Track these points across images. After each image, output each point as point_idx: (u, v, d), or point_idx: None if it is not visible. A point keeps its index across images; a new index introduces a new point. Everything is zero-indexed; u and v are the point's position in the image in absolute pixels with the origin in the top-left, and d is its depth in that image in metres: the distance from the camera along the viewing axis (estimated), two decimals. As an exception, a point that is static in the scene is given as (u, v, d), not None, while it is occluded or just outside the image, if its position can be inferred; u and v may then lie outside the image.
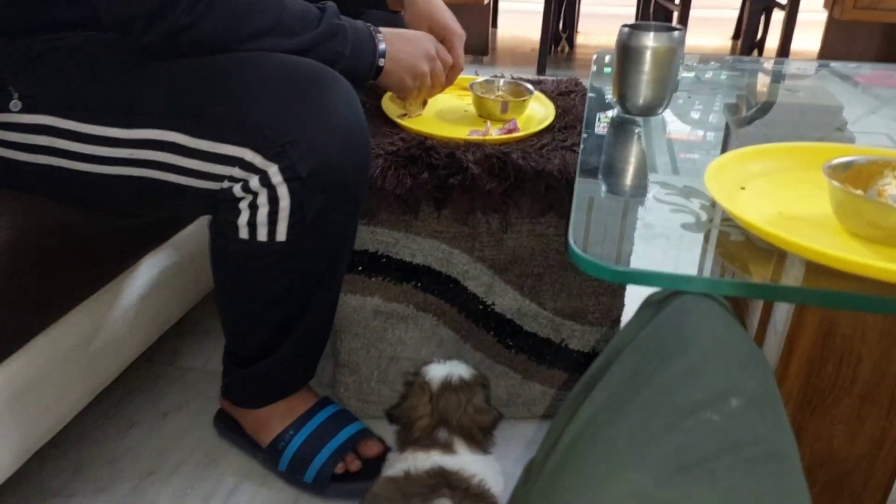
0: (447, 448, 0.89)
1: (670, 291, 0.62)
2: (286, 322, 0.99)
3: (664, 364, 0.54)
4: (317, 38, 0.91)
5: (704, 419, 0.49)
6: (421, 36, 1.06)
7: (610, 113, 1.05)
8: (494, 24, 4.20)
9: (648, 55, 0.95)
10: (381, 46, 0.99)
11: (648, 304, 0.63)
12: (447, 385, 0.91)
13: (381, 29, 1.00)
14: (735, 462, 0.47)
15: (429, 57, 1.05)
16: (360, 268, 1.09)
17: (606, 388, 0.56)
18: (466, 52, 1.14)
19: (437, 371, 0.93)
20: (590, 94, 1.16)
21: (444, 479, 0.84)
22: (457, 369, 0.94)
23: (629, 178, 0.89)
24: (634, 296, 0.66)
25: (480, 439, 0.91)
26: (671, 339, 0.56)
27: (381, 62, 0.99)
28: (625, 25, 0.97)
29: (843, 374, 0.80)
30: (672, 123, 1.04)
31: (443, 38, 1.09)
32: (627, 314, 1.10)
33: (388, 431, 1.14)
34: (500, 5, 4.35)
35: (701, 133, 1.08)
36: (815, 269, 0.62)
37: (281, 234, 0.88)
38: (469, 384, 0.93)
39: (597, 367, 0.62)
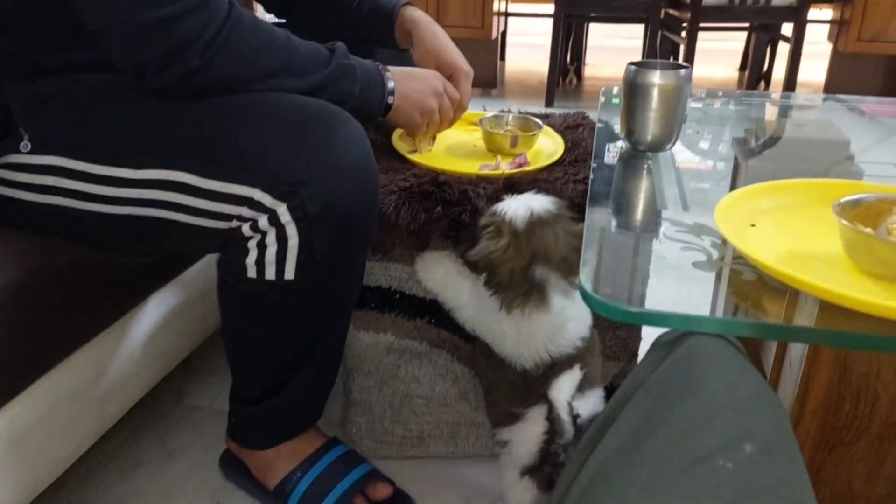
0: (543, 295, 0.86)
1: (680, 332, 0.61)
2: (294, 360, 0.98)
3: (675, 409, 0.53)
4: (327, 78, 0.92)
5: (718, 466, 0.48)
6: (429, 73, 1.07)
7: (619, 143, 1.05)
8: (503, 58, 4.25)
9: (655, 93, 0.95)
10: (390, 84, 1.00)
11: (658, 346, 0.62)
12: (535, 222, 0.86)
13: (390, 67, 1.01)
14: None
15: (437, 93, 1.06)
16: (372, 304, 1.09)
17: (617, 435, 0.55)
18: (475, 85, 1.15)
19: (516, 209, 0.87)
20: (598, 125, 1.16)
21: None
22: (536, 202, 0.88)
23: (639, 214, 0.89)
24: (652, 329, 0.65)
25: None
26: (682, 383, 0.55)
27: (391, 100, 1.00)
28: (631, 63, 0.98)
29: (860, 412, 0.79)
30: (681, 157, 1.04)
31: (450, 75, 1.10)
32: (645, 347, 1.09)
33: (398, 472, 1.12)
34: (508, 39, 4.40)
35: (710, 166, 1.07)
36: (829, 308, 0.61)
37: (289, 273, 0.87)
38: (556, 213, 0.87)
39: (607, 412, 0.61)
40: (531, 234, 0.86)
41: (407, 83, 1.02)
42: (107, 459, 1.18)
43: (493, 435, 0.99)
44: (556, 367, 0.90)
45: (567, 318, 0.90)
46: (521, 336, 0.89)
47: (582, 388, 0.90)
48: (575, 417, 0.86)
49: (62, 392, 0.95)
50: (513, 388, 0.93)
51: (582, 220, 0.86)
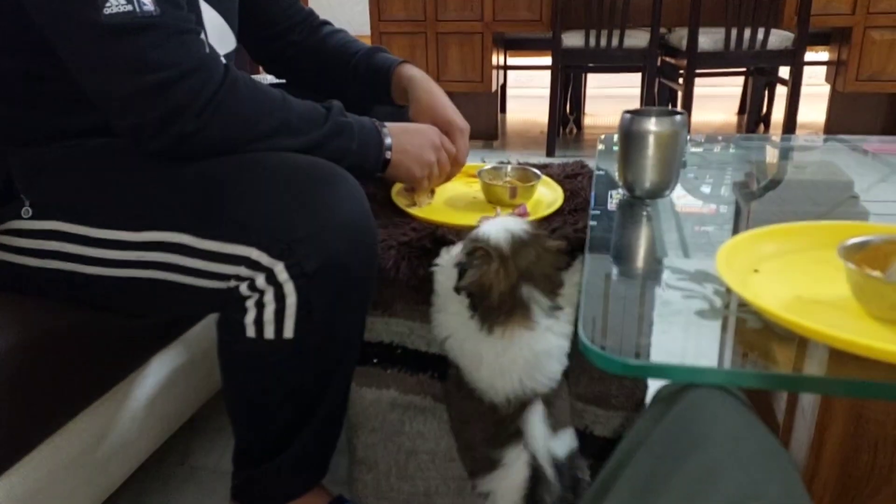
0: (527, 314, 0.86)
1: (682, 384, 0.60)
2: (296, 419, 0.97)
3: (679, 467, 0.51)
4: (323, 136, 0.93)
5: None
6: (425, 128, 1.08)
7: (619, 190, 1.05)
8: (503, 110, 4.30)
9: (651, 140, 0.95)
10: (388, 140, 1.00)
11: (659, 400, 0.60)
12: (518, 242, 0.87)
13: (387, 123, 1.02)
14: None
15: (434, 147, 1.07)
16: (374, 360, 1.07)
17: (620, 497, 0.53)
18: (476, 138, 1.16)
19: (497, 231, 0.88)
20: (597, 172, 1.16)
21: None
22: (513, 224, 0.89)
23: (639, 262, 0.88)
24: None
25: (559, 280, 0.89)
26: (684, 440, 0.53)
27: (388, 155, 1.01)
28: (626, 111, 0.98)
29: (879, 462, 0.76)
30: (681, 202, 1.03)
31: (446, 131, 1.11)
32: (652, 394, 1.07)
33: (404, 532, 1.09)
34: (509, 92, 4.46)
35: (711, 212, 1.07)
36: (840, 355, 0.59)
37: (288, 332, 0.86)
38: (534, 233, 0.89)
39: (608, 470, 0.59)
40: (516, 254, 0.87)
41: (405, 138, 1.03)
42: (109, 526, 1.15)
43: (473, 487, 0.96)
44: (526, 404, 0.89)
45: (546, 352, 0.89)
46: (499, 361, 0.88)
47: (554, 427, 0.89)
48: (554, 460, 0.85)
49: (64, 457, 0.93)
50: (483, 424, 0.91)
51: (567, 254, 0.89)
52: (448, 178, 1.14)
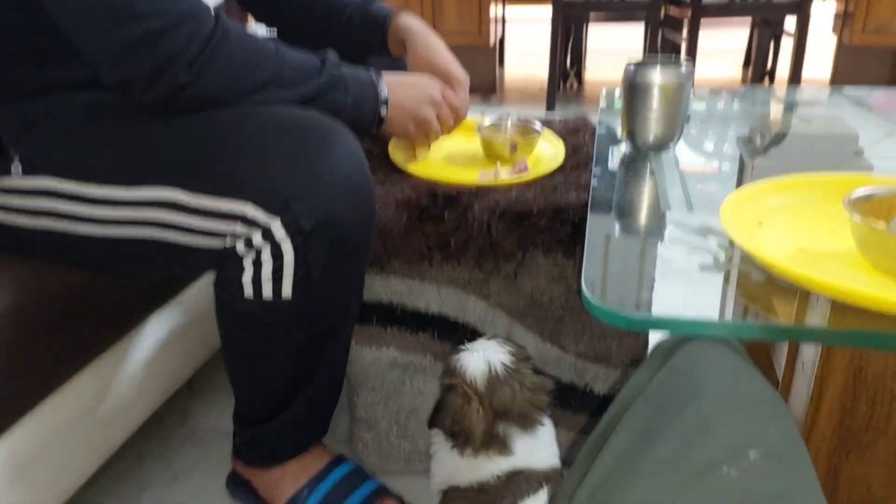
0: (504, 444, 0.85)
1: (680, 338, 0.59)
2: (296, 379, 0.96)
3: (675, 417, 0.51)
4: (318, 89, 0.90)
5: (722, 475, 0.46)
6: (426, 81, 1.05)
7: (621, 147, 1.03)
8: (501, 64, 4.23)
9: (656, 92, 0.93)
10: (384, 94, 0.98)
11: (656, 354, 0.60)
12: (494, 380, 0.84)
13: (387, 74, 0.99)
14: None
15: (434, 102, 1.04)
16: (374, 319, 1.07)
17: (617, 446, 0.53)
18: (473, 92, 1.13)
19: (475, 365, 0.85)
20: (599, 131, 1.14)
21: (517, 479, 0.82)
22: (493, 355, 0.86)
23: (643, 217, 0.87)
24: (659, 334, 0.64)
25: (538, 416, 0.88)
26: (681, 390, 0.53)
27: (384, 111, 0.98)
28: (630, 63, 0.96)
29: (877, 413, 0.76)
30: (684, 157, 1.02)
31: (445, 83, 1.08)
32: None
33: (407, 487, 1.10)
34: (508, 48, 4.39)
35: (715, 166, 1.05)
36: (842, 308, 0.59)
37: (286, 291, 0.86)
38: (513, 368, 0.86)
39: (606, 423, 0.59)
40: (492, 393, 0.85)
41: (401, 92, 1.00)
42: (112, 484, 1.16)
43: None
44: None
45: (530, 457, 0.88)
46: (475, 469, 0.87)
47: None
48: None
49: (64, 417, 0.93)
50: None
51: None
52: (449, 132, 1.11)
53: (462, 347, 0.89)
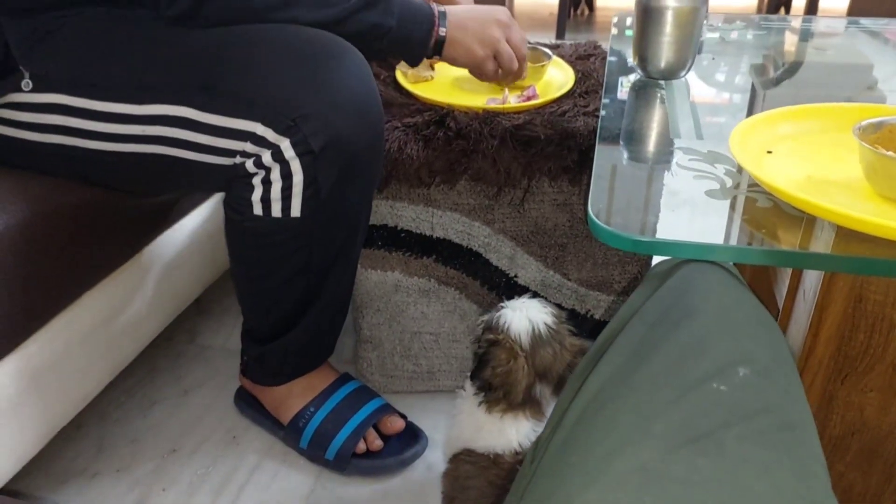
0: (539, 407, 0.84)
1: (677, 261, 0.60)
2: (303, 299, 0.98)
3: (670, 335, 0.52)
4: (351, 8, 0.86)
5: (711, 390, 0.48)
6: (489, 7, 0.97)
7: (631, 77, 1.02)
8: (511, -10, 4.12)
9: (670, 15, 0.91)
10: (441, 11, 0.91)
11: (653, 276, 0.61)
12: (537, 339, 0.83)
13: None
14: (745, 433, 0.45)
15: (501, 24, 0.96)
16: (379, 243, 1.08)
17: (611, 362, 0.54)
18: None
19: (519, 323, 0.83)
20: (610, 58, 1.12)
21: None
22: (536, 314, 0.84)
23: (651, 143, 0.86)
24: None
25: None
26: (677, 309, 0.54)
27: (443, 31, 0.91)
28: (645, -14, 0.93)
29: (874, 341, 0.78)
30: (696, 86, 1.01)
31: None
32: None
33: (410, 406, 1.14)
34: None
35: (726, 96, 1.04)
36: (846, 235, 0.60)
37: (295, 210, 0.86)
38: (555, 329, 0.84)
39: (602, 341, 0.60)
40: (535, 353, 0.83)
41: (463, 14, 0.93)
42: (124, 397, 1.20)
43: None
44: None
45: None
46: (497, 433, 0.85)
47: None
48: None
49: (77, 331, 0.96)
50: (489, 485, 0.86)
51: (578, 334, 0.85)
52: (516, 77, 1.03)
53: (502, 305, 0.87)
